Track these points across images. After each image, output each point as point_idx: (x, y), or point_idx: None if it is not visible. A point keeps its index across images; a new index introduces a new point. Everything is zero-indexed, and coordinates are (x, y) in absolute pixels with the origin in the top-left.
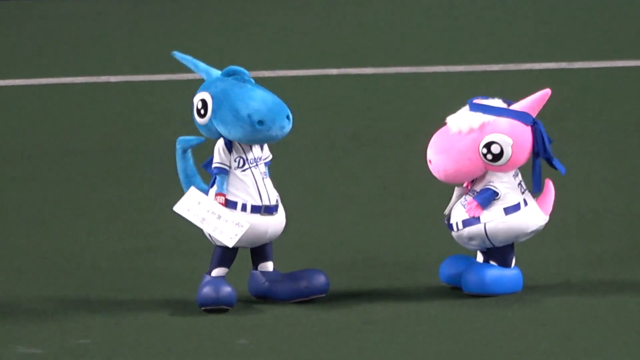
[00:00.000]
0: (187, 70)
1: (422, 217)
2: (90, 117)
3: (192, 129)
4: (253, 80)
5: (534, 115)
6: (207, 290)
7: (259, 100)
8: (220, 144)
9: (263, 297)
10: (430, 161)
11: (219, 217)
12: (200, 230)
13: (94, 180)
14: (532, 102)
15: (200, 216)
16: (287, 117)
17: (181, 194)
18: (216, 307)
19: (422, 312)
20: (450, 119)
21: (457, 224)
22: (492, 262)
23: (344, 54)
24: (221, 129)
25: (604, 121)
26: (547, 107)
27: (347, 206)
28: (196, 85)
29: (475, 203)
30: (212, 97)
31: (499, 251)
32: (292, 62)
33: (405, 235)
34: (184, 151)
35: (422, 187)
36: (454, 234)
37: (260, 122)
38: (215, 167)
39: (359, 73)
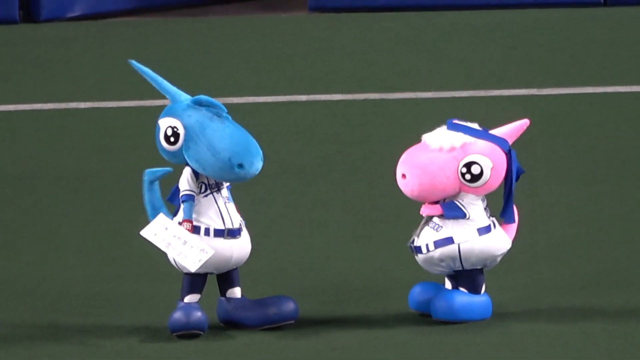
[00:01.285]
0: (156, 96)
1: (391, 242)
2: (59, 142)
3: (160, 155)
4: (229, 117)
5: (511, 143)
6: (178, 315)
7: (238, 141)
8: (187, 172)
9: (231, 323)
10: (404, 175)
11: (185, 242)
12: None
13: (63, 204)
14: (510, 130)
15: (166, 241)
16: (261, 159)
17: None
18: (187, 332)
19: (391, 339)
20: (428, 136)
21: (427, 245)
22: (461, 289)
23: (312, 80)
24: (193, 163)
25: (572, 147)
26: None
27: (317, 231)
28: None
29: (439, 210)
30: (185, 128)
31: (469, 277)
32: (262, 88)
33: (375, 260)
34: (151, 183)
35: (392, 212)
36: (421, 256)
37: (240, 166)
38: (184, 195)
39: (327, 99)
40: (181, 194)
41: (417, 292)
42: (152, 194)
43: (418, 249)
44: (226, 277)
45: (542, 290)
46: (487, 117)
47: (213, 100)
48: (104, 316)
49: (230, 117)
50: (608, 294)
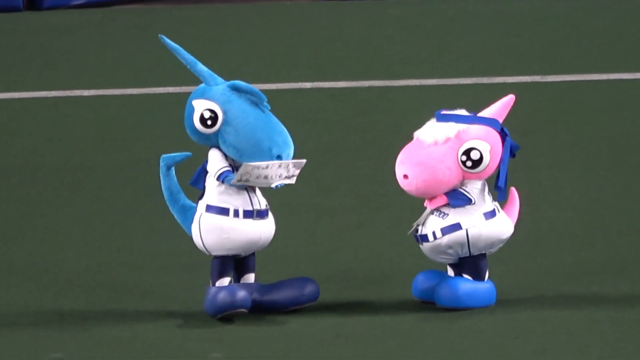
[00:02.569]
0: (160, 83)
1: (396, 229)
2: (63, 131)
3: (165, 144)
4: (269, 106)
5: (501, 121)
6: (223, 295)
7: (280, 132)
8: (217, 153)
9: (254, 307)
10: (405, 176)
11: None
12: (173, 244)
13: (67, 195)
14: (498, 109)
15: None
16: (292, 150)
17: (159, 209)
18: (234, 311)
19: (395, 325)
20: (421, 132)
21: (434, 233)
22: (465, 276)
23: (317, 67)
24: (228, 148)
25: (575, 133)
26: (520, 120)
27: (321, 218)
28: (172, 98)
29: (445, 200)
30: (224, 112)
31: (473, 264)
32: (267, 76)
33: (380, 247)
34: (168, 168)
35: (396, 199)
36: (427, 245)
37: (279, 157)
38: (224, 172)
39: (332, 86)
40: (218, 173)
41: (420, 280)
42: (169, 179)
43: (424, 238)
44: (244, 263)
45: (545, 277)
46: (490, 104)
47: (252, 87)
48: (108, 305)
49: (269, 107)
50: (612, 281)
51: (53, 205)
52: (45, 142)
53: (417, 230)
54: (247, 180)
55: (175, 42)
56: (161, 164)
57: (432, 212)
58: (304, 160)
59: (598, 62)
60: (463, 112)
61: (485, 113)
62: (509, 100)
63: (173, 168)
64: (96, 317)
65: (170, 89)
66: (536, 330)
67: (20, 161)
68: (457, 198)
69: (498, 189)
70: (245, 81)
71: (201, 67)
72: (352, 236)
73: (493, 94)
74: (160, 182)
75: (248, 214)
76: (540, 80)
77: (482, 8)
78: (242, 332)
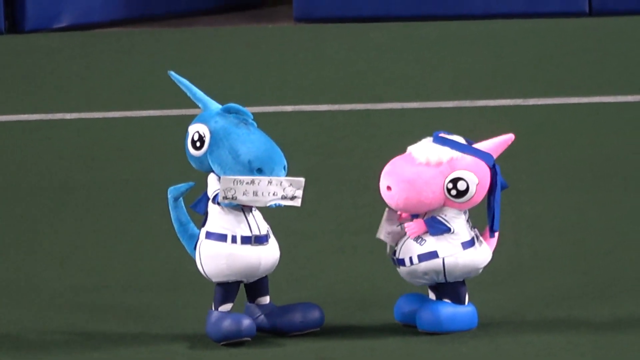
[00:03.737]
0: (142, 107)
1: (376, 253)
2: (45, 153)
3: (146, 165)
4: (255, 123)
5: (495, 157)
6: (228, 324)
7: (260, 146)
8: (213, 177)
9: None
10: (389, 187)
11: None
12: (157, 266)
13: (48, 215)
14: (495, 145)
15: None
16: (284, 168)
17: (141, 229)
18: (239, 339)
19: (377, 349)
20: (415, 149)
21: (410, 258)
22: (445, 300)
23: (299, 90)
24: (215, 168)
25: (557, 157)
26: None
27: (302, 242)
28: (153, 121)
29: (422, 223)
30: (211, 133)
31: (452, 288)
32: (248, 99)
33: (360, 271)
34: (176, 199)
35: (377, 223)
36: (405, 269)
37: (259, 170)
38: (218, 193)
39: (314, 109)
40: (213, 195)
41: (401, 304)
42: (177, 210)
43: (401, 262)
44: (255, 286)
45: (527, 301)
46: (473, 127)
47: (241, 107)
48: (89, 326)
49: (255, 124)
50: (594, 305)
51: (34, 225)
52: (26, 164)
53: (394, 253)
54: (234, 198)
55: (156, 65)
56: (169, 196)
57: (407, 237)
58: (302, 179)
59: (580, 85)
60: (460, 139)
61: (482, 146)
62: (507, 138)
63: (181, 199)
64: (77, 339)
65: (152, 112)
66: (518, 353)
67: (1, 182)
68: (435, 227)
69: (492, 232)
70: (227, 104)
71: (200, 94)
72: (333, 260)
73: (475, 118)
74: (169, 214)
75: (246, 240)
76: (522, 104)
77: (464, 30)
78: (222, 355)
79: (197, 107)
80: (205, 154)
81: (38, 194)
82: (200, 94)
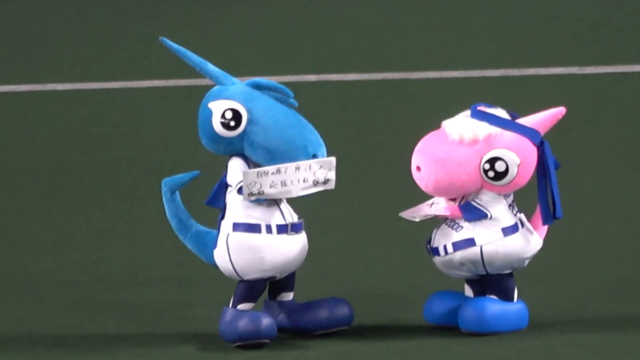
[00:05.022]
0: (145, 76)
1: (412, 241)
2: (35, 130)
3: (150, 143)
4: (296, 103)
5: (543, 134)
6: (244, 323)
7: (313, 131)
8: (239, 163)
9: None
10: (418, 168)
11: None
12: (159, 258)
13: (39, 201)
14: (543, 119)
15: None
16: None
17: (143, 217)
18: (257, 341)
19: (413, 352)
20: (448, 124)
21: (444, 247)
22: (491, 296)
23: (323, 57)
24: (258, 153)
25: (619, 132)
26: None
27: (328, 230)
28: (157, 93)
29: (457, 209)
30: (248, 111)
31: (498, 282)
32: (264, 67)
33: (394, 263)
34: (172, 193)
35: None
36: (439, 259)
37: (314, 156)
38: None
39: (340, 79)
40: (239, 185)
41: (434, 303)
42: (175, 205)
43: (435, 251)
44: (280, 280)
45: (585, 296)
46: (521, 99)
47: (275, 83)
48: (85, 326)
49: (296, 103)
50: None
51: (24, 213)
52: (14, 142)
53: (430, 241)
54: (261, 193)
55: (163, 31)
56: (164, 188)
57: (445, 222)
58: (332, 159)
59: None
60: (502, 112)
61: (527, 121)
62: (557, 112)
63: (178, 192)
64: (72, 340)
65: (156, 82)
66: (573, 357)
67: None
68: (470, 211)
69: (550, 220)
70: (242, 74)
71: (212, 68)
72: (363, 250)
73: (524, 88)
74: (164, 208)
75: (282, 229)
76: (577, 72)
77: None
78: (238, 358)
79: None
80: (240, 135)
81: (26, 176)
82: (211, 66)
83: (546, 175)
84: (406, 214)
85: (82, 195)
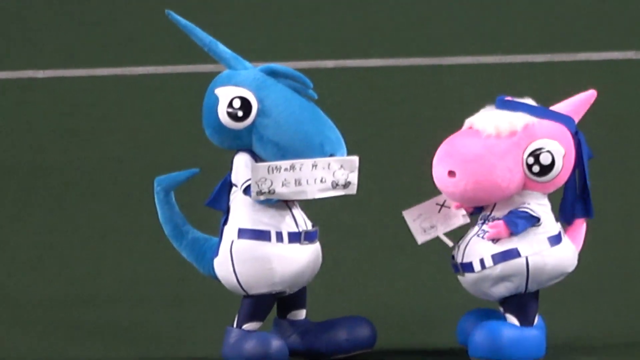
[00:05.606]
0: (137, 62)
1: (443, 254)
2: (12, 122)
3: (143, 139)
4: (315, 95)
5: (577, 121)
6: (251, 345)
7: (332, 128)
8: (245, 159)
9: (290, 351)
10: (451, 173)
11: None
12: (154, 273)
13: (15, 206)
14: (575, 105)
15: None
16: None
17: (135, 224)
18: None
19: None
20: (477, 120)
21: (481, 261)
22: (509, 317)
23: (342, 42)
24: (268, 149)
25: None
26: (606, 109)
27: (349, 240)
28: (152, 81)
29: (502, 225)
30: (260, 101)
31: (519, 303)
32: (277, 52)
33: (422, 278)
34: (167, 193)
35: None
36: (472, 276)
37: (332, 155)
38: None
39: (361, 66)
40: (245, 184)
41: (467, 322)
42: (169, 208)
43: (467, 267)
44: (290, 296)
45: (612, 320)
46: (571, 88)
47: (293, 70)
48: (69, 349)
49: (315, 95)
50: None
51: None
52: None
53: (454, 255)
54: (271, 192)
55: (160, 6)
56: (157, 188)
57: (475, 233)
58: (355, 158)
59: None
60: (530, 101)
61: (559, 108)
62: (589, 96)
63: (172, 193)
64: None
65: (150, 69)
66: None
67: None
68: (519, 222)
69: (588, 215)
70: (256, 59)
71: (223, 49)
72: (386, 263)
73: (573, 75)
74: (157, 211)
75: (294, 237)
76: (634, 57)
77: None
78: None
79: (212, 62)
80: (248, 127)
81: (3, 175)
82: (221, 46)
83: (578, 167)
84: (410, 215)
85: (65, 199)
